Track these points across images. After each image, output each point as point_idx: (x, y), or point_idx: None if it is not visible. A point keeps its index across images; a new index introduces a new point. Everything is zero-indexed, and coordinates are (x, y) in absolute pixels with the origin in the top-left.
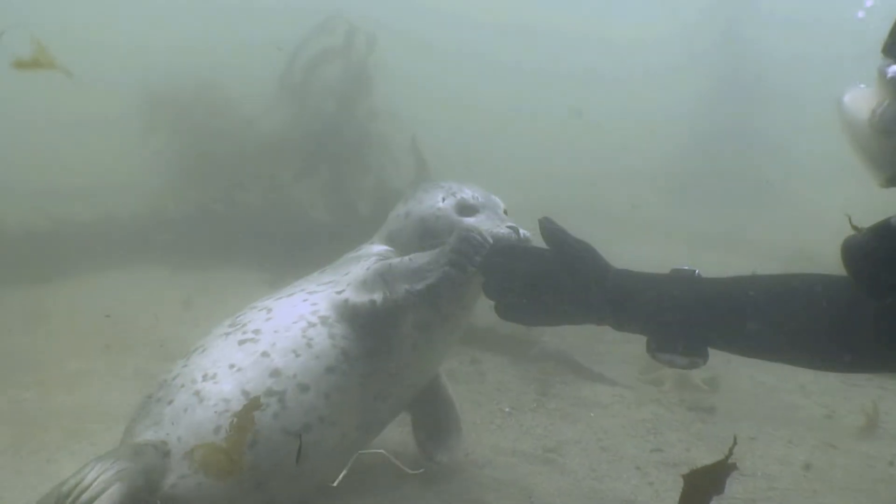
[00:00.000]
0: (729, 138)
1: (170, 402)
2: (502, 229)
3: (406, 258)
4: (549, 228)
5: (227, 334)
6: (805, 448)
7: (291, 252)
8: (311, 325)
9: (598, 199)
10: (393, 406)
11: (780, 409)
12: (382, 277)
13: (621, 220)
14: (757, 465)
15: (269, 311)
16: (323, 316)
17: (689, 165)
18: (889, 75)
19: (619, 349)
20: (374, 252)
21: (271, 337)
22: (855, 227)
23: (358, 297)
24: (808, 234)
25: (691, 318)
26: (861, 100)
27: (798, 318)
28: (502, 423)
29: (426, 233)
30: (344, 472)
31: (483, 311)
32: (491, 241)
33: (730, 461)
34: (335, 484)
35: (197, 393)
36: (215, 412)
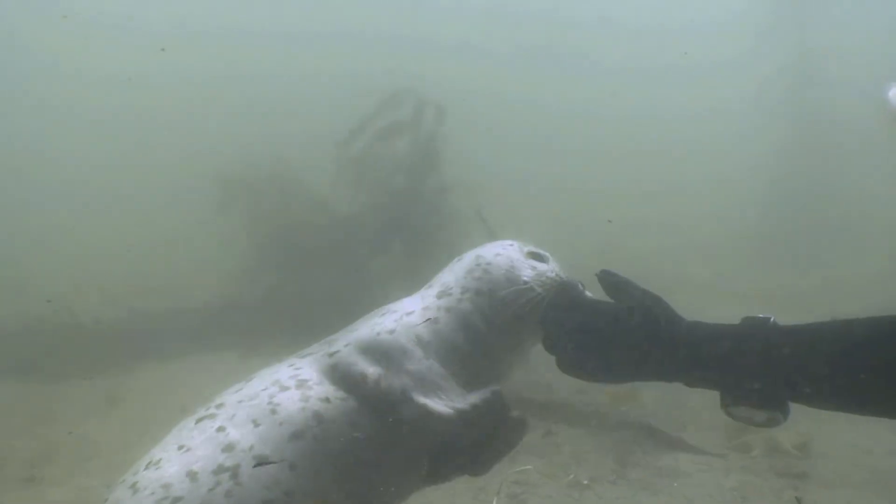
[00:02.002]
0: (812, 189)
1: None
2: (571, 280)
3: (429, 361)
4: (610, 279)
5: (195, 415)
6: None
7: None
8: (283, 389)
9: (680, 270)
10: (392, 472)
11: (878, 473)
12: (387, 355)
13: (703, 285)
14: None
15: (248, 381)
16: (301, 380)
17: (771, 224)
18: None
19: (702, 415)
20: (404, 312)
21: (233, 409)
22: None
23: (349, 359)
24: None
25: (768, 369)
26: None
27: (884, 365)
28: (580, 497)
29: (496, 287)
30: None
31: (559, 382)
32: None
33: None
34: None
35: (133, 486)
36: (152, 501)
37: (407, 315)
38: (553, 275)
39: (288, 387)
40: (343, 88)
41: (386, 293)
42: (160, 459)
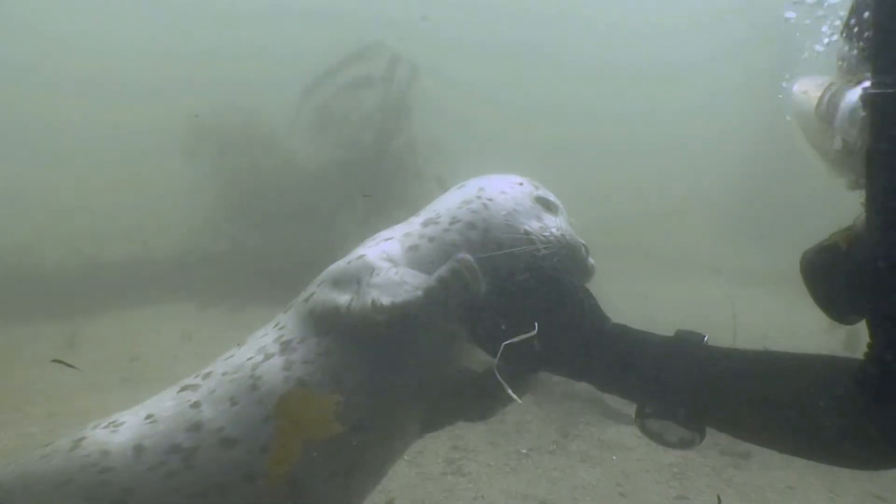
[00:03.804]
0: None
1: (45, 446)
2: (580, 240)
3: (398, 268)
4: (546, 268)
5: (186, 378)
6: (848, 499)
7: None
8: (268, 357)
9: (643, 236)
10: (369, 446)
11: None
12: (358, 278)
13: (667, 257)
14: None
15: (239, 347)
16: (286, 341)
17: (742, 198)
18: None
19: None
20: (382, 238)
21: (216, 381)
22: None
23: (322, 297)
24: None
25: (693, 390)
26: (813, 89)
27: (802, 405)
28: (517, 466)
29: (491, 226)
30: None
31: None
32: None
33: None
34: None
35: (78, 441)
36: (82, 463)
37: (385, 241)
38: (558, 233)
39: (272, 353)
40: (319, 39)
41: (347, 250)
42: (122, 424)
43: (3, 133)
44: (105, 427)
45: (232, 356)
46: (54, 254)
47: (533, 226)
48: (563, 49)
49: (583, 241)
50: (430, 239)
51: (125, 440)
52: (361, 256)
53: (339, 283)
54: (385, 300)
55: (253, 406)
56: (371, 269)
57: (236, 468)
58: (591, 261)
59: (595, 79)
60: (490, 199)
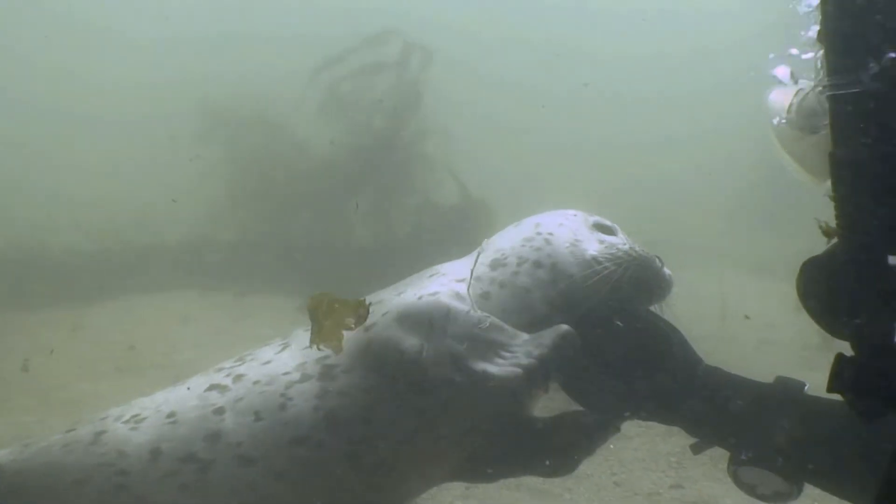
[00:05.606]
0: None
1: (68, 432)
2: (647, 254)
3: (479, 314)
4: (630, 308)
5: (216, 371)
6: None
7: (330, 276)
8: (305, 378)
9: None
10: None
11: None
12: (430, 322)
13: (691, 248)
14: None
15: (284, 348)
16: (329, 365)
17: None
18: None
19: None
20: (454, 278)
21: (245, 389)
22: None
23: (386, 333)
24: None
25: (796, 441)
26: (787, 97)
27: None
28: None
29: (558, 260)
30: None
31: None
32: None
33: None
34: None
35: (98, 434)
36: (99, 461)
37: (457, 282)
38: (627, 247)
39: (310, 375)
40: (334, 27)
41: (350, 235)
42: (144, 420)
43: (10, 119)
44: (126, 422)
45: (270, 362)
46: (62, 241)
47: (595, 248)
48: (581, 41)
49: (655, 254)
50: (502, 285)
51: (144, 441)
52: (435, 294)
53: (406, 320)
54: (475, 366)
55: (277, 427)
56: (446, 313)
57: (249, 489)
58: (668, 271)
59: (610, 68)
60: (550, 234)
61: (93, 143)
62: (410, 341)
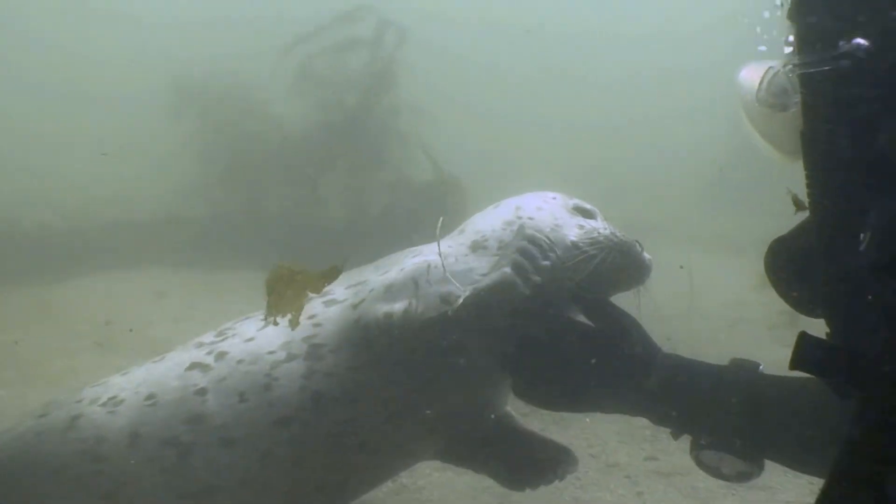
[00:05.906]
0: None
1: (41, 417)
2: (627, 238)
3: (456, 260)
4: (590, 298)
5: (197, 347)
6: None
7: (305, 251)
8: (291, 357)
9: (632, 207)
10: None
11: None
12: (415, 281)
13: (657, 228)
14: (763, 478)
15: (263, 321)
16: (316, 345)
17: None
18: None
19: None
20: (432, 257)
21: (229, 368)
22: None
23: (374, 305)
24: None
25: (752, 421)
26: (757, 75)
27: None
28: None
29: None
30: None
31: None
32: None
33: None
34: None
35: (74, 417)
36: (77, 448)
37: (434, 255)
38: (607, 232)
39: (296, 354)
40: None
41: (323, 212)
42: (122, 402)
43: None
44: (104, 405)
45: (252, 339)
46: (34, 217)
47: (575, 233)
48: (554, 22)
49: (635, 239)
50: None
51: (122, 426)
52: (415, 258)
53: (391, 289)
54: (462, 290)
55: (262, 408)
56: (426, 267)
57: (232, 472)
58: (647, 256)
59: (583, 49)
60: (530, 218)
61: (65, 119)
62: (399, 304)
